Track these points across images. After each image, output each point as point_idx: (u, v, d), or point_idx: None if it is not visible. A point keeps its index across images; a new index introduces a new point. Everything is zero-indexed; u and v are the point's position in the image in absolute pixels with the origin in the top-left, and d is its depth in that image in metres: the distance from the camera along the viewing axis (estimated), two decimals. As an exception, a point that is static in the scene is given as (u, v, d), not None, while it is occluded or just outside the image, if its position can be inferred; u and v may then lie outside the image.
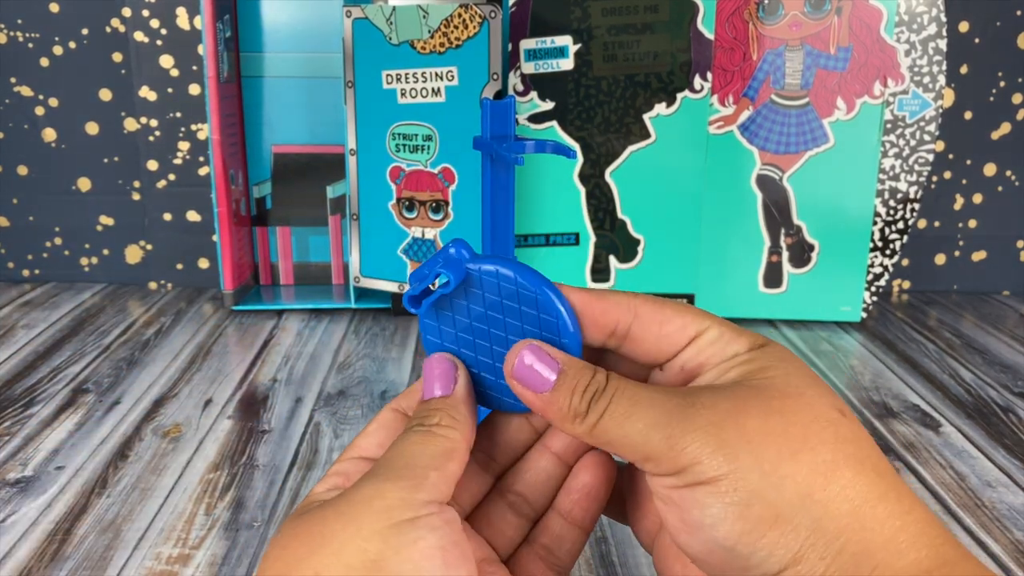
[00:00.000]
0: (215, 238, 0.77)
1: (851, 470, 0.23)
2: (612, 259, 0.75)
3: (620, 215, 0.73)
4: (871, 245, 0.73)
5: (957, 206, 0.84)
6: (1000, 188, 0.83)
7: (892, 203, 0.72)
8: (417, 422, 0.26)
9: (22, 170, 0.82)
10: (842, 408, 0.24)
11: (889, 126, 0.71)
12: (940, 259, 0.86)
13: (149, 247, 0.84)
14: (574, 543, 0.30)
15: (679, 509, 0.24)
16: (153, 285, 0.85)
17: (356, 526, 0.23)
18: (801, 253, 0.74)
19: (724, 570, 0.24)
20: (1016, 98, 0.81)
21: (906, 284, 0.87)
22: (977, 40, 0.79)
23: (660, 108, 0.71)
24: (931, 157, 0.71)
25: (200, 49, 0.78)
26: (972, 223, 0.84)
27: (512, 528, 0.30)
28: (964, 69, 0.80)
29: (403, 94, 0.67)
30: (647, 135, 0.72)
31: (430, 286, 0.27)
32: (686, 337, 0.26)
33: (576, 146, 0.72)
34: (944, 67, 0.70)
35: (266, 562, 0.24)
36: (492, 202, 0.42)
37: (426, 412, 0.27)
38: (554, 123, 0.72)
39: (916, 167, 0.72)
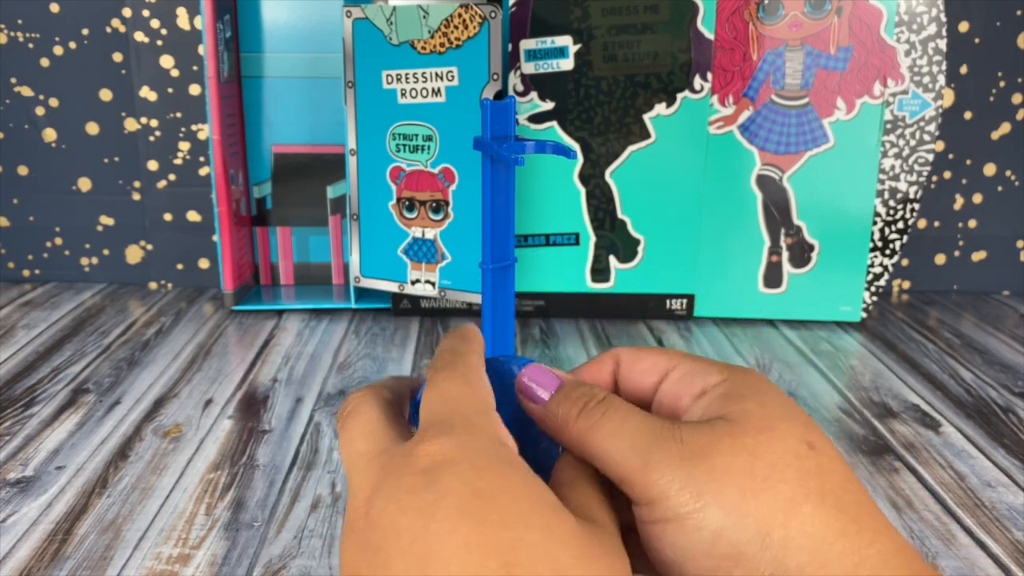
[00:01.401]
0: (215, 238, 0.77)
1: (811, 505, 0.23)
2: (612, 259, 0.75)
3: (620, 215, 0.73)
4: (871, 245, 0.73)
5: (957, 206, 0.84)
6: (1000, 188, 0.83)
7: (892, 203, 0.72)
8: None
9: (22, 170, 0.82)
10: (812, 440, 0.24)
11: (889, 126, 0.71)
12: (940, 259, 0.86)
13: (149, 247, 0.84)
14: None
15: (654, 549, 0.24)
16: (153, 285, 0.85)
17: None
18: (801, 253, 0.74)
19: None
20: (1016, 98, 0.81)
21: (906, 284, 0.87)
22: (977, 40, 0.79)
23: (660, 108, 0.71)
24: (931, 157, 0.71)
25: (200, 49, 0.78)
26: (972, 223, 0.84)
27: None
28: (964, 69, 0.80)
29: (403, 94, 0.67)
30: (647, 135, 0.72)
31: None
32: (657, 374, 0.28)
33: (576, 146, 0.72)
34: (944, 67, 0.70)
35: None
36: (492, 203, 0.42)
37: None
38: (554, 123, 0.72)
39: (916, 167, 0.72)
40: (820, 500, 0.23)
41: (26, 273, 0.85)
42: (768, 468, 0.23)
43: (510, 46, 0.71)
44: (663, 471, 0.24)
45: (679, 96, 0.71)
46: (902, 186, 0.72)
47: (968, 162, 0.83)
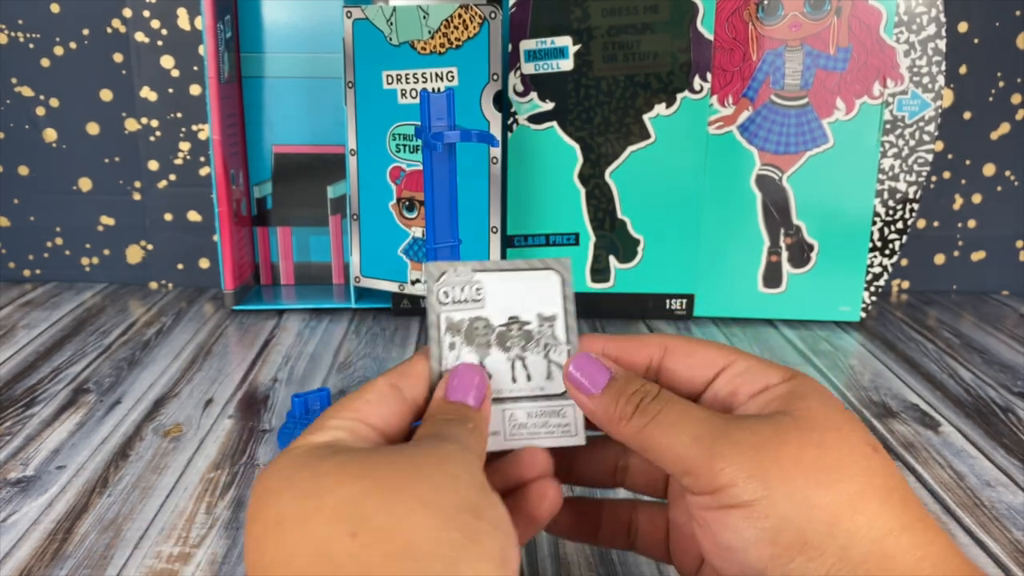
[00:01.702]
0: (216, 238, 0.78)
1: (878, 501, 0.24)
2: (612, 259, 0.75)
3: (620, 215, 0.73)
4: (870, 245, 0.73)
5: (956, 206, 0.84)
6: (999, 188, 0.83)
7: (891, 203, 0.73)
8: (457, 417, 0.27)
9: (23, 170, 0.82)
10: (874, 444, 0.25)
11: (888, 126, 0.71)
12: (939, 259, 0.86)
13: (150, 247, 0.85)
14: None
15: (713, 532, 0.25)
16: (154, 285, 0.85)
17: (452, 472, 0.23)
18: (800, 253, 0.74)
19: None
20: (1015, 98, 0.81)
21: (905, 284, 0.87)
22: (976, 40, 0.79)
23: (660, 108, 0.71)
24: (930, 157, 0.72)
25: (201, 49, 0.79)
26: (971, 223, 0.84)
27: None
28: (963, 69, 0.80)
29: (403, 94, 0.67)
30: (647, 135, 0.72)
31: None
32: (715, 369, 0.29)
33: (576, 146, 0.72)
34: (943, 67, 0.70)
35: (326, 479, 0.22)
36: (433, 187, 0.45)
37: (462, 413, 0.27)
38: (554, 123, 0.72)
39: (915, 167, 0.72)
40: (887, 495, 0.24)
41: (26, 273, 0.86)
42: (836, 462, 0.24)
43: (510, 46, 0.71)
44: (730, 460, 0.24)
45: (679, 96, 0.71)
46: (901, 186, 0.72)
47: (967, 162, 0.83)
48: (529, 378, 0.30)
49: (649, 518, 0.32)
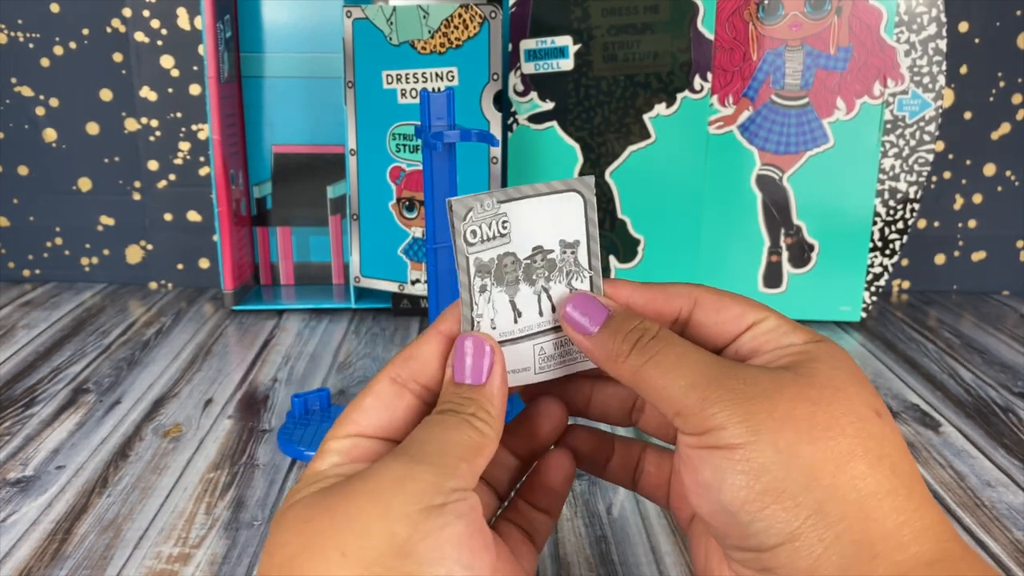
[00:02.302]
0: (215, 238, 0.77)
1: (866, 463, 0.23)
2: (612, 259, 0.75)
3: (620, 215, 0.73)
4: (871, 245, 0.73)
5: (957, 206, 0.84)
6: (1000, 188, 0.83)
7: (892, 203, 0.72)
8: (451, 407, 0.26)
9: (22, 170, 0.82)
10: (880, 410, 0.25)
11: (889, 126, 0.71)
12: (940, 259, 0.86)
13: (149, 247, 0.84)
14: (544, 524, 0.31)
15: (694, 468, 0.25)
16: (153, 285, 0.85)
17: (385, 506, 0.23)
18: (801, 253, 0.74)
19: (727, 533, 0.25)
20: (1016, 98, 0.81)
21: (906, 284, 0.87)
22: (977, 40, 0.79)
23: (660, 108, 0.71)
24: (931, 157, 0.71)
25: (200, 49, 0.78)
26: (972, 223, 0.84)
27: (487, 496, 0.31)
28: (964, 69, 0.80)
29: (403, 94, 0.67)
30: (647, 135, 0.72)
31: None
32: (744, 324, 0.28)
33: (576, 146, 0.72)
34: (944, 67, 0.70)
35: (285, 534, 0.23)
36: (432, 186, 0.45)
37: (461, 400, 0.26)
38: (554, 123, 0.72)
39: (916, 167, 0.72)
40: (877, 460, 0.24)
41: (26, 273, 0.86)
42: (829, 420, 0.24)
43: (510, 46, 0.71)
44: (723, 407, 0.24)
45: (679, 96, 0.71)
46: (902, 186, 0.72)
47: (968, 162, 0.83)
48: (554, 309, 0.29)
49: (656, 461, 0.32)
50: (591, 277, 0.29)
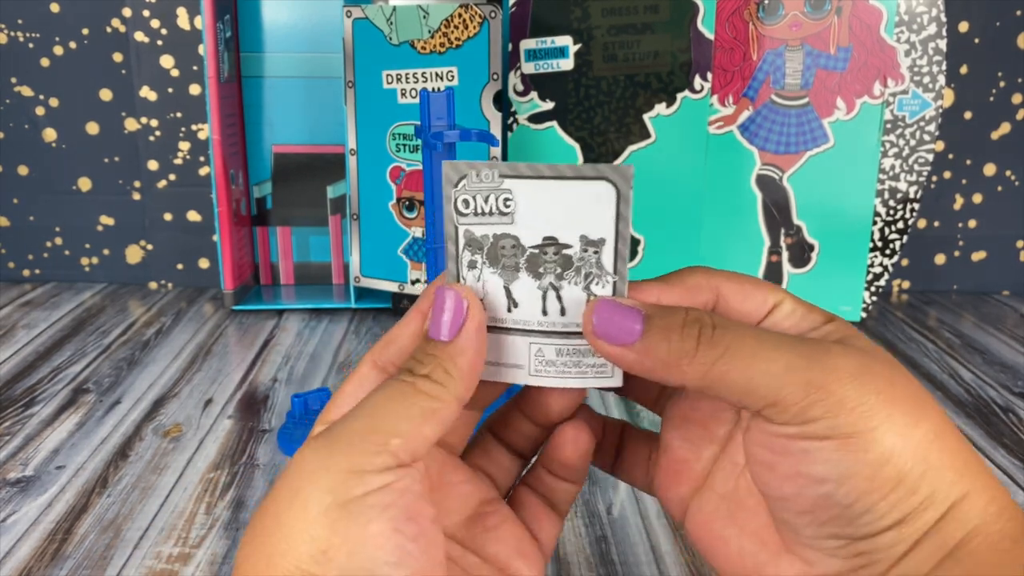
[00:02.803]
0: (215, 238, 0.77)
1: (955, 439, 0.23)
2: (612, 259, 0.75)
3: (620, 215, 0.73)
4: (871, 245, 0.73)
5: (957, 206, 0.84)
6: (1000, 188, 0.83)
7: (892, 203, 0.72)
8: (408, 367, 0.24)
9: (22, 170, 0.82)
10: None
11: (889, 126, 0.71)
12: (940, 259, 0.86)
13: (149, 247, 0.84)
14: (567, 492, 0.29)
15: (796, 462, 0.23)
16: (153, 285, 0.85)
17: (302, 505, 0.21)
18: (801, 253, 0.74)
19: (823, 522, 0.23)
20: (1016, 98, 0.81)
21: (906, 284, 0.87)
22: (977, 40, 0.79)
23: (660, 108, 0.71)
24: (931, 157, 0.71)
25: (200, 49, 0.78)
26: (972, 223, 0.84)
27: (508, 460, 0.29)
28: (964, 69, 0.80)
29: (403, 94, 0.67)
30: (647, 135, 0.72)
31: None
32: (765, 309, 0.26)
33: (576, 146, 0.72)
34: (944, 67, 0.70)
35: (245, 536, 0.23)
36: (432, 186, 0.46)
37: (422, 357, 0.24)
38: (554, 123, 0.72)
39: (916, 167, 0.72)
40: (956, 434, 0.23)
41: (26, 273, 0.86)
42: (915, 399, 0.23)
43: (510, 46, 0.71)
44: (831, 391, 0.22)
45: (679, 96, 0.71)
46: (902, 186, 0.72)
47: (968, 162, 0.83)
48: (563, 312, 0.26)
49: (633, 444, 0.30)
50: (615, 283, 0.25)
